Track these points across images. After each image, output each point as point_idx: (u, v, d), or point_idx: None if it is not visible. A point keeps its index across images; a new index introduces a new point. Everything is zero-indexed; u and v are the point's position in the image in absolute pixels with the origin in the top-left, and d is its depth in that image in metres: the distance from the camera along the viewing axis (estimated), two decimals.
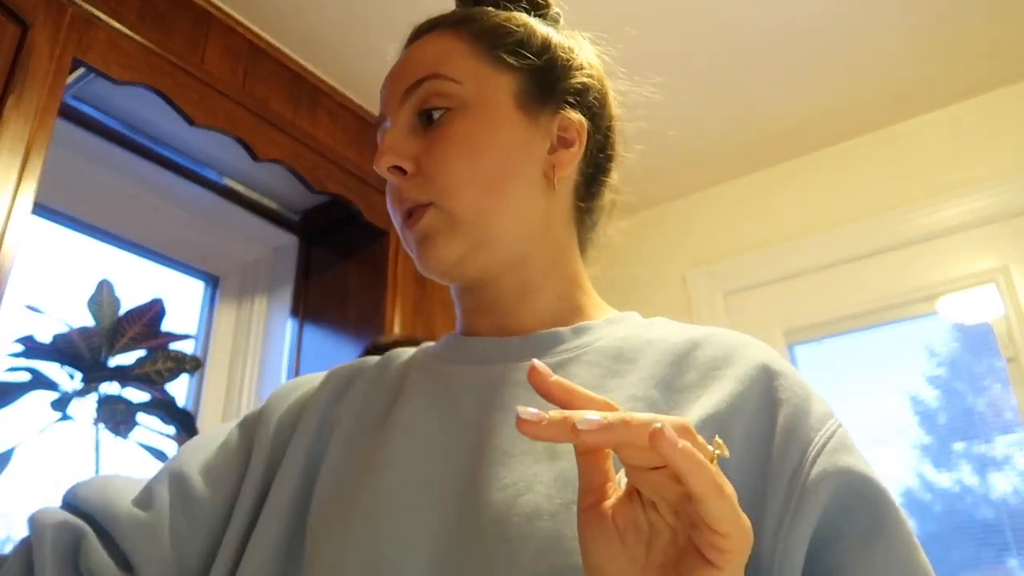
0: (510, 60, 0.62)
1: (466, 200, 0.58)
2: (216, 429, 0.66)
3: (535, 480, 0.49)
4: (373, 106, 2.00)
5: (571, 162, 0.63)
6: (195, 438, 0.66)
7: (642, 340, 0.59)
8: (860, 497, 0.49)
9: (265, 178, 1.97)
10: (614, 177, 0.70)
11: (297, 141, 1.79)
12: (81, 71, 1.49)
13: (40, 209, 1.66)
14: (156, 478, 0.60)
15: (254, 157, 1.68)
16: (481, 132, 0.59)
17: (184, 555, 0.57)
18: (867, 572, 0.46)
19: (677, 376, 0.55)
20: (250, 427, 0.64)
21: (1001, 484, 1.80)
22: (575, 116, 0.64)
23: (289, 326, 2.10)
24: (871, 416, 2.01)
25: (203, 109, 1.58)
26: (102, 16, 1.44)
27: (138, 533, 0.56)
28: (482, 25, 0.63)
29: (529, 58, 0.62)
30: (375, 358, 0.68)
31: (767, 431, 0.51)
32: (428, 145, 0.59)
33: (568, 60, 0.65)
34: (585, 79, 0.65)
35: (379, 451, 0.56)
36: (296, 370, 2.04)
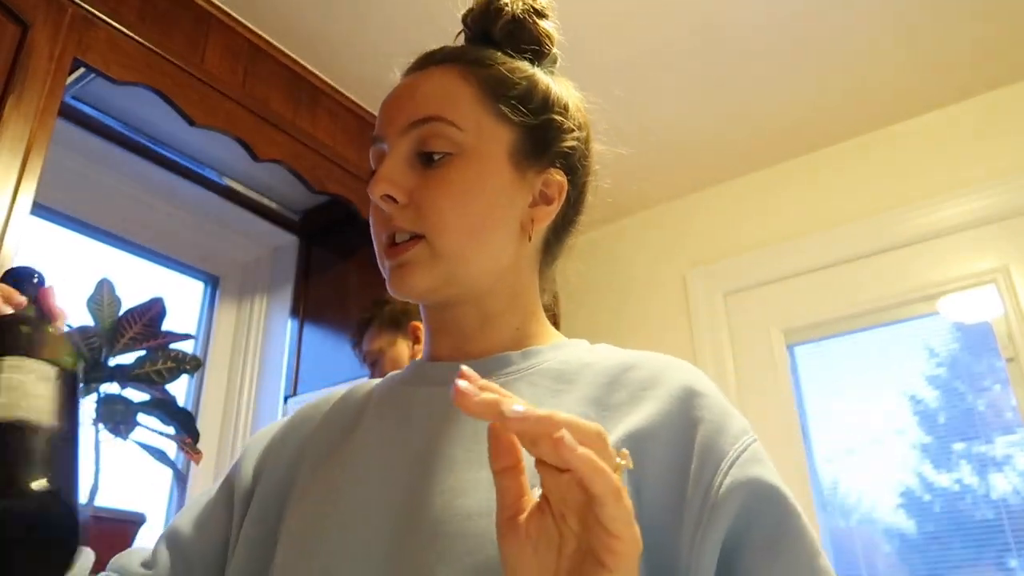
0: (510, 115, 0.65)
1: (452, 240, 0.62)
2: (207, 489, 0.73)
3: (476, 484, 0.53)
4: (373, 106, 2.00)
5: (548, 217, 0.68)
6: (189, 501, 0.74)
7: (582, 363, 0.64)
8: (767, 504, 0.53)
9: (265, 178, 1.97)
10: (580, 225, 0.74)
11: (297, 141, 1.79)
12: (81, 71, 1.49)
13: (40, 209, 1.66)
14: (158, 541, 0.69)
15: (254, 157, 1.68)
16: (475, 181, 0.63)
17: None
18: (777, 567, 0.51)
19: (608, 395, 0.59)
20: (230, 475, 0.70)
21: (1001, 484, 1.80)
22: (558, 177, 0.68)
23: (289, 326, 2.10)
24: (871, 416, 2.01)
25: (203, 109, 1.58)
26: (102, 16, 1.44)
27: None
28: (490, 73, 0.66)
29: (528, 115, 0.66)
30: (340, 390, 0.73)
31: (686, 448, 0.55)
32: (424, 182, 0.62)
33: (562, 123, 0.68)
34: (574, 142, 0.69)
35: (339, 469, 0.61)
36: (296, 370, 2.04)
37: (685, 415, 0.56)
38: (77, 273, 1.78)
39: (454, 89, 0.65)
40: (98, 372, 1.42)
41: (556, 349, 0.66)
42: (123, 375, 1.45)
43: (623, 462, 0.40)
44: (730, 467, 0.53)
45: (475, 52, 0.68)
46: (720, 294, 2.29)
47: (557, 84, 0.70)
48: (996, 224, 1.94)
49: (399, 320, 1.62)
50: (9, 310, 0.57)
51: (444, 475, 0.55)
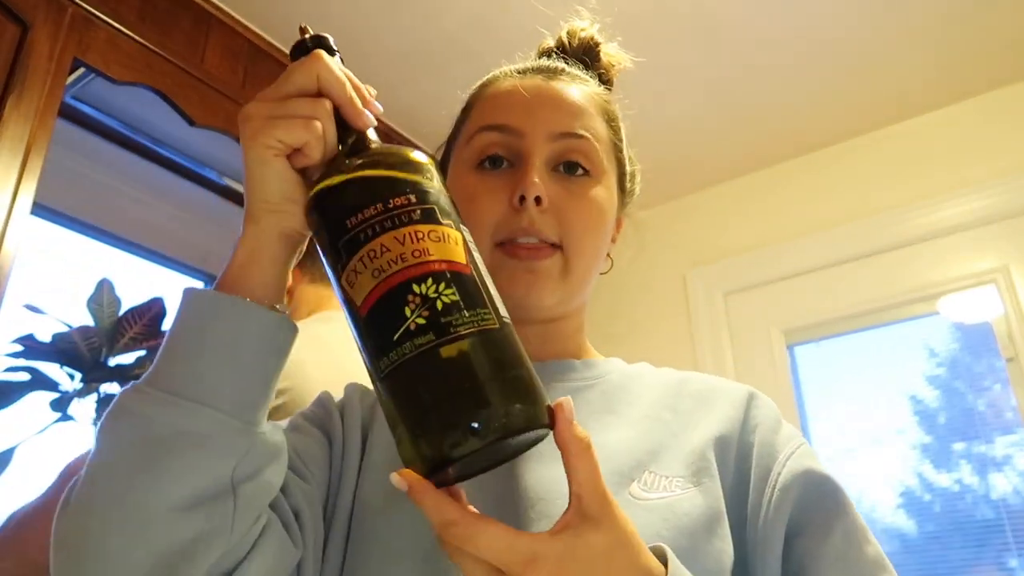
0: (620, 155, 0.71)
1: (583, 261, 0.64)
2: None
3: None
4: None
5: (611, 251, 0.73)
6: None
7: (642, 376, 0.69)
8: (822, 491, 0.58)
9: None
10: None
11: None
12: (81, 71, 1.49)
13: (40, 209, 1.66)
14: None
15: None
16: (606, 209, 0.67)
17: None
18: (830, 548, 0.55)
19: (676, 403, 0.65)
20: (320, 421, 0.64)
21: (1001, 484, 1.80)
22: (622, 216, 0.74)
23: None
24: (871, 416, 2.01)
25: (203, 109, 1.58)
26: (102, 16, 1.44)
27: (302, 494, 0.56)
28: (611, 109, 0.71)
29: (626, 161, 0.72)
30: None
31: (749, 447, 0.61)
32: (568, 193, 0.64)
33: (637, 173, 0.75)
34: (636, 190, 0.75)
35: None
36: None
37: (746, 421, 0.62)
38: (77, 273, 1.78)
39: (597, 114, 0.68)
40: (98, 372, 1.42)
41: (609, 363, 0.70)
42: (123, 375, 1.45)
43: None
44: (786, 461, 0.59)
45: (604, 91, 0.72)
46: (720, 294, 2.29)
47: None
48: (996, 224, 1.94)
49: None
50: (372, 121, 0.51)
51: (536, 465, 0.57)
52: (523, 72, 0.70)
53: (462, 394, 0.40)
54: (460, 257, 0.44)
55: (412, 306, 0.41)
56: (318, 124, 0.48)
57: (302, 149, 0.48)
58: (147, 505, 0.44)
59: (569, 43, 0.75)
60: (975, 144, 2.01)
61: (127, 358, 1.48)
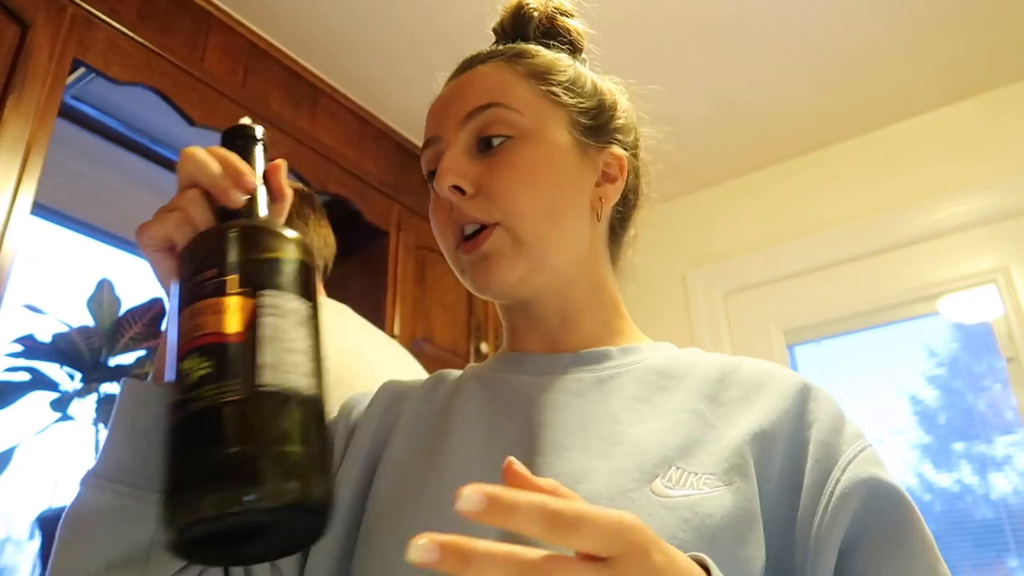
0: (564, 97, 0.67)
1: (529, 224, 0.61)
2: None
3: (592, 471, 0.54)
4: (373, 106, 2.00)
5: (615, 195, 0.68)
6: None
7: (686, 361, 0.64)
8: (888, 503, 0.53)
9: None
10: (641, 215, 0.75)
11: (297, 141, 1.79)
12: (81, 71, 1.49)
13: (40, 209, 1.66)
14: None
15: None
16: (542, 162, 0.63)
17: None
18: (897, 571, 0.50)
19: (720, 392, 0.60)
20: (342, 422, 0.67)
21: (1001, 484, 1.80)
22: (619, 151, 0.69)
23: None
24: (871, 416, 2.01)
25: (203, 109, 1.58)
26: (102, 16, 1.44)
27: None
28: (535, 62, 0.68)
29: (580, 96, 0.68)
30: (421, 379, 0.72)
31: (801, 447, 0.55)
32: (489, 169, 0.62)
33: (613, 101, 0.70)
34: (625, 119, 0.71)
35: (438, 451, 0.60)
36: None
37: (801, 416, 0.57)
38: (77, 273, 1.78)
39: (507, 78, 0.66)
40: (98, 372, 1.42)
41: (653, 348, 0.67)
42: (123, 375, 1.45)
43: None
44: (848, 465, 0.53)
45: (517, 48, 0.69)
46: (720, 294, 2.29)
47: (596, 74, 0.72)
48: (996, 224, 1.94)
49: None
50: (240, 197, 0.52)
51: (554, 459, 0.55)
52: (447, 81, 0.71)
53: (185, 469, 0.41)
54: (234, 327, 0.42)
55: (180, 383, 0.43)
56: (177, 214, 0.52)
57: (171, 239, 0.52)
58: (73, 573, 0.51)
59: (503, 21, 0.75)
60: (975, 144, 2.01)
61: (127, 358, 1.48)
